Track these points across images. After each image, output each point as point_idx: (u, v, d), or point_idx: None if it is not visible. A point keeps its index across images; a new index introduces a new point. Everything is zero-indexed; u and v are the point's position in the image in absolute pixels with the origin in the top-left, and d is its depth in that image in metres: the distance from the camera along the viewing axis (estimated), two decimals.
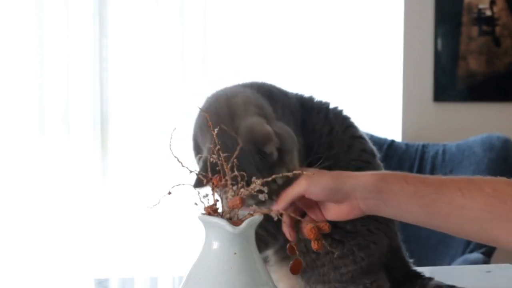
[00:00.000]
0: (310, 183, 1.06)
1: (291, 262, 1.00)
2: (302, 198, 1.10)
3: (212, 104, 1.27)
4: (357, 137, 1.33)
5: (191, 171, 1.01)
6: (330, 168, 1.24)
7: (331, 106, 1.34)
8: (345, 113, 1.34)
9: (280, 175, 1.04)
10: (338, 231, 1.28)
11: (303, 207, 1.13)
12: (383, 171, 1.11)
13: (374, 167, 1.31)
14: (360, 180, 1.07)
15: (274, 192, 1.11)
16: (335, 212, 1.10)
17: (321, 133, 1.28)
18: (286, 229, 1.10)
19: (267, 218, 1.17)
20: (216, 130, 1.05)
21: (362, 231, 1.28)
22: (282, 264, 1.30)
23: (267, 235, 1.24)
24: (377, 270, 1.31)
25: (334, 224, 1.26)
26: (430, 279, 1.37)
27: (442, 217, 1.07)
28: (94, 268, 3.01)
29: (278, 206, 1.06)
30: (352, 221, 1.28)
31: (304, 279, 1.29)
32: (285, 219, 1.09)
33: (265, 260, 1.29)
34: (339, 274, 1.28)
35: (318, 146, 1.27)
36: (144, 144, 3.07)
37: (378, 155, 1.33)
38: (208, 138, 1.19)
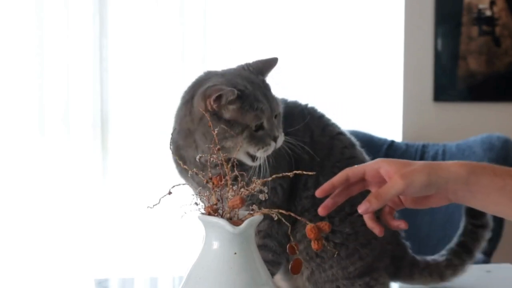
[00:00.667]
0: (407, 183, 1.05)
1: (291, 262, 1.00)
2: (374, 180, 1.11)
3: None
4: (336, 135, 1.36)
5: (191, 171, 1.01)
6: (317, 176, 1.26)
7: (303, 104, 1.39)
8: (319, 110, 1.40)
9: (281, 174, 1.04)
10: (338, 235, 1.29)
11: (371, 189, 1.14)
12: (472, 162, 1.11)
13: (358, 159, 1.37)
14: (452, 171, 1.07)
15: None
16: (420, 201, 1.11)
17: (304, 141, 1.29)
18: (370, 224, 1.11)
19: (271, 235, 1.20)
20: (216, 130, 1.05)
21: (362, 230, 1.29)
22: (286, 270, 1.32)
23: (272, 258, 1.26)
24: (381, 260, 1.34)
25: (332, 230, 1.27)
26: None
27: None
28: (94, 268, 3.01)
29: (373, 206, 1.06)
30: (351, 223, 1.30)
31: (311, 282, 1.30)
32: (317, 191, 1.11)
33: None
34: (347, 272, 1.30)
35: (302, 154, 1.29)
36: (144, 144, 3.07)
37: (357, 143, 1.39)
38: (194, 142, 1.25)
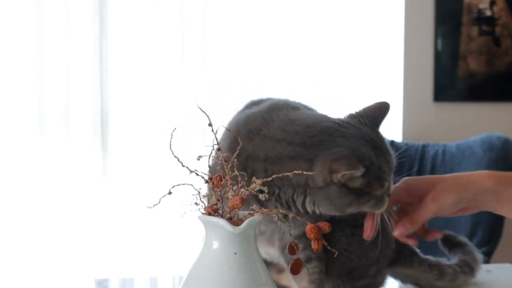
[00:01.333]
0: (439, 207, 1.13)
1: (291, 262, 1.00)
2: (404, 196, 1.18)
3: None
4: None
5: (191, 171, 1.01)
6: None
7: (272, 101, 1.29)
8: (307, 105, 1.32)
9: (281, 174, 1.03)
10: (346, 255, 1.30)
11: (404, 205, 1.20)
12: (498, 173, 1.16)
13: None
14: (481, 185, 1.14)
15: None
16: (451, 213, 1.18)
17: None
18: (404, 240, 1.18)
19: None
20: (215, 131, 1.05)
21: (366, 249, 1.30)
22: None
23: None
24: (383, 258, 1.34)
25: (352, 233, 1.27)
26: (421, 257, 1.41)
27: None
28: (94, 268, 3.01)
29: (407, 231, 1.13)
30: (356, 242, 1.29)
31: (317, 284, 1.30)
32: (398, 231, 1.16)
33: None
34: (351, 275, 1.30)
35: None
36: (144, 144, 3.07)
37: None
38: None
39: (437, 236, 1.16)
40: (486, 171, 1.17)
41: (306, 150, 1.14)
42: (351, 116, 1.23)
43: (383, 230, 1.27)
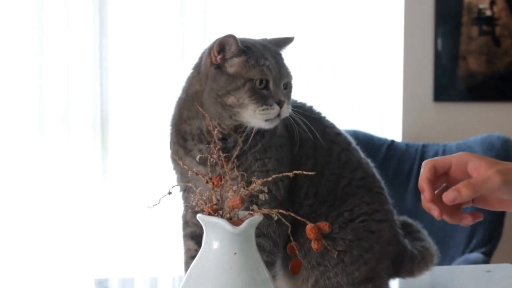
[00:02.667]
0: (505, 181, 0.96)
1: (291, 262, 1.00)
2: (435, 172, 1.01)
3: None
4: (334, 137, 1.36)
5: (191, 171, 1.01)
6: (317, 186, 1.26)
7: (300, 103, 1.37)
8: (315, 109, 1.38)
9: (281, 174, 1.04)
10: (340, 243, 1.29)
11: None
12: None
13: (353, 161, 1.35)
14: None
15: None
16: (497, 204, 1.04)
17: (307, 145, 1.29)
18: (426, 205, 1.01)
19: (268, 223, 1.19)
20: (216, 130, 1.05)
21: (364, 235, 1.29)
22: (290, 277, 1.31)
23: (268, 242, 1.25)
24: (383, 263, 1.33)
25: (333, 238, 1.27)
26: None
27: None
28: (94, 268, 3.01)
29: (462, 197, 0.96)
30: (352, 229, 1.29)
31: None
32: (426, 195, 1.01)
33: (273, 275, 1.30)
34: (351, 279, 1.29)
35: (306, 159, 1.28)
36: (144, 144, 3.07)
37: (352, 141, 1.38)
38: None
39: (480, 218, 1.01)
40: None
41: (198, 59, 1.33)
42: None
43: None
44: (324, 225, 0.95)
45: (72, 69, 2.99)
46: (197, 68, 1.29)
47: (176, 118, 1.31)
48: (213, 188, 0.97)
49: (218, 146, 1.00)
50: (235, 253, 0.94)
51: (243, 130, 1.23)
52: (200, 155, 1.12)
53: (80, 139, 3.01)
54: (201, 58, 1.29)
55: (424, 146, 3.05)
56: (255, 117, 1.21)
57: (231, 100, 1.20)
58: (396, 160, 2.99)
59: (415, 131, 3.26)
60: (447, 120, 3.29)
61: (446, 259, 2.79)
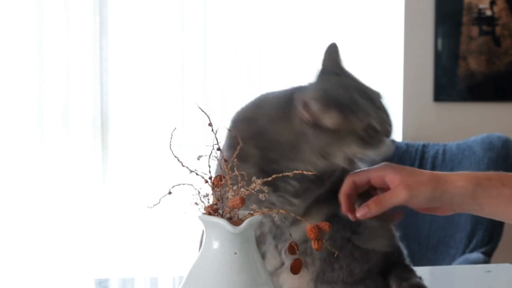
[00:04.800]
0: (411, 195, 1.05)
1: (291, 261, 1.00)
2: (379, 180, 1.11)
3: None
4: None
5: (191, 171, 1.01)
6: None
7: None
8: None
9: (281, 174, 1.04)
10: (356, 237, 1.29)
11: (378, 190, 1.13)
12: (478, 173, 1.09)
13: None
14: (458, 186, 1.07)
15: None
16: (423, 209, 1.11)
17: None
18: (342, 198, 1.11)
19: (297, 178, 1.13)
20: (215, 130, 1.05)
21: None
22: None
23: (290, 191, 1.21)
24: (378, 266, 1.32)
25: (355, 232, 1.26)
26: (415, 277, 1.37)
27: None
28: (94, 268, 3.01)
29: (371, 212, 1.07)
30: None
31: (317, 281, 1.29)
32: (343, 208, 1.10)
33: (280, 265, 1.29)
34: (351, 275, 1.29)
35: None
36: (144, 144, 3.07)
37: None
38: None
39: (398, 219, 1.12)
40: (464, 172, 1.09)
41: (287, 107, 1.20)
42: (319, 72, 1.28)
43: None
44: (324, 225, 0.95)
45: (72, 69, 2.98)
46: (285, 112, 1.19)
47: (261, 158, 1.20)
48: (213, 188, 0.97)
49: (218, 146, 1.00)
50: (235, 253, 0.94)
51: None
52: (200, 155, 1.11)
53: (80, 140, 3.01)
54: (287, 105, 1.19)
55: (424, 146, 3.05)
56: (361, 157, 1.17)
57: (333, 150, 1.15)
58: (396, 160, 2.97)
59: (415, 131, 3.26)
60: (447, 120, 3.29)
61: (446, 259, 2.79)
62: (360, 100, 1.17)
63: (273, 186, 1.16)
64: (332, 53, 1.29)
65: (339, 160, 1.13)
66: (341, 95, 1.16)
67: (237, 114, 1.30)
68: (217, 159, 1.00)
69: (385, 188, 1.09)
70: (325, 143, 1.13)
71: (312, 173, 1.09)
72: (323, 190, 1.19)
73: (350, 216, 1.12)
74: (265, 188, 0.97)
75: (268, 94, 1.31)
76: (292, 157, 1.18)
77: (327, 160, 1.15)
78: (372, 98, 1.21)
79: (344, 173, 1.18)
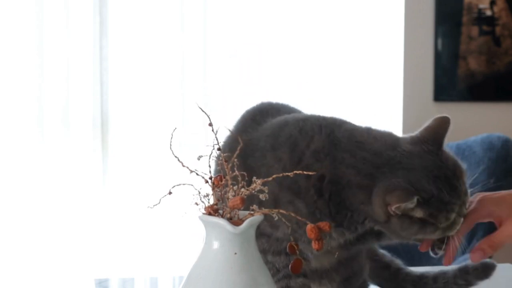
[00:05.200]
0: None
1: (291, 261, 1.00)
2: (482, 216, 1.17)
3: None
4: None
5: (191, 171, 1.01)
6: None
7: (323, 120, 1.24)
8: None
9: (281, 174, 1.04)
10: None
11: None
12: None
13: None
14: None
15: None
16: None
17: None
18: (458, 239, 1.14)
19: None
20: (215, 130, 1.05)
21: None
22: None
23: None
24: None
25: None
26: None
27: None
28: (94, 268, 3.01)
29: (487, 255, 1.14)
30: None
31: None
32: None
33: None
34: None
35: None
36: (144, 144, 3.07)
37: None
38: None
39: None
40: None
41: (370, 181, 1.12)
42: (413, 142, 1.20)
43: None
44: (325, 225, 0.95)
45: (72, 69, 2.98)
46: (364, 199, 1.14)
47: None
48: (213, 188, 0.97)
49: (218, 146, 1.00)
50: (235, 253, 0.94)
51: None
52: (200, 155, 1.10)
53: (80, 140, 3.01)
54: (369, 191, 1.14)
55: None
56: None
57: (419, 237, 1.20)
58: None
59: (415, 131, 3.25)
60: None
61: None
62: (447, 198, 1.13)
63: (338, 223, 1.16)
64: (442, 126, 1.28)
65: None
66: (433, 198, 1.12)
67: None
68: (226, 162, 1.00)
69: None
70: (411, 233, 1.14)
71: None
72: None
73: (445, 260, 1.14)
74: (265, 189, 0.96)
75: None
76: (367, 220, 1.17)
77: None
78: (456, 186, 1.16)
79: None
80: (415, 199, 1.09)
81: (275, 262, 1.20)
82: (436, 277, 1.39)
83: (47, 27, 2.95)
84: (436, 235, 1.15)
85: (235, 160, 0.99)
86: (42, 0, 2.93)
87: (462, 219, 1.16)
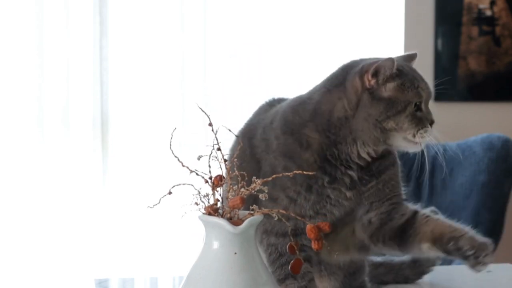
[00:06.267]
0: None
1: (291, 261, 1.00)
2: None
3: None
4: None
5: (191, 171, 1.01)
6: None
7: None
8: None
9: (281, 174, 1.04)
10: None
11: None
12: None
13: None
14: None
15: None
16: None
17: None
18: None
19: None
20: (215, 130, 1.05)
21: None
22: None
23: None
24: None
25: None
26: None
27: None
28: (94, 268, 3.01)
29: None
30: None
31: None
32: None
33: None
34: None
35: None
36: (144, 144, 3.07)
37: None
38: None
39: None
40: None
41: (331, 81, 1.27)
42: None
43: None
44: (324, 225, 0.95)
45: (72, 69, 2.98)
46: (340, 89, 1.24)
47: (320, 141, 1.24)
48: (213, 188, 0.97)
49: (218, 146, 1.00)
50: (235, 253, 0.94)
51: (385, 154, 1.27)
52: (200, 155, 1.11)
53: (80, 140, 3.01)
54: (343, 79, 1.25)
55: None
56: (411, 140, 1.23)
57: (390, 124, 1.21)
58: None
59: None
60: (447, 120, 3.28)
61: (446, 259, 2.78)
62: (419, 78, 1.24)
63: (330, 177, 1.20)
64: (410, 57, 1.35)
65: (393, 140, 1.21)
66: (404, 69, 1.23)
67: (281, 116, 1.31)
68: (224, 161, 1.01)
69: None
70: (381, 111, 1.19)
71: (313, 174, 1.13)
72: (374, 182, 1.26)
73: None
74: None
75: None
76: (350, 137, 1.22)
77: (384, 135, 1.20)
78: (427, 83, 1.27)
79: (390, 165, 1.28)
80: (394, 62, 1.18)
81: (279, 244, 1.22)
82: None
83: (47, 27, 2.95)
84: (405, 124, 1.20)
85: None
86: (42, 0, 2.93)
87: (429, 128, 1.23)
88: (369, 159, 1.25)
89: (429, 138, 1.23)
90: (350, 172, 1.24)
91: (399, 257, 1.47)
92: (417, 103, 1.22)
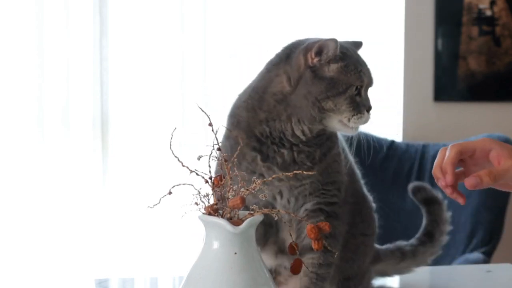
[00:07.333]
0: None
1: (292, 262, 1.00)
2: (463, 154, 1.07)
3: None
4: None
5: (191, 171, 1.01)
6: None
7: None
8: None
9: (281, 174, 1.04)
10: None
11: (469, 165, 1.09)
12: None
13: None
14: None
15: None
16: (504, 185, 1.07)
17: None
18: (454, 195, 1.06)
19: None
20: (215, 130, 1.05)
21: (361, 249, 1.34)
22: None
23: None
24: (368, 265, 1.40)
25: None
26: None
27: None
28: (94, 268, 3.01)
29: (483, 184, 1.01)
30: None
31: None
32: (448, 178, 1.05)
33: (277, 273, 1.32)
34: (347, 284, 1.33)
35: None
36: (144, 144, 3.07)
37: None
38: None
39: (460, 201, 1.06)
40: None
41: (279, 56, 1.29)
42: None
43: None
44: (324, 225, 0.95)
45: (72, 69, 2.98)
46: (279, 66, 1.25)
47: (247, 119, 1.25)
48: (213, 188, 0.97)
49: (218, 145, 1.00)
50: (235, 253, 0.94)
51: (322, 135, 1.25)
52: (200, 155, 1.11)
53: (80, 139, 3.01)
54: (286, 56, 1.26)
55: (424, 146, 3.05)
56: (345, 124, 1.22)
57: (329, 105, 1.21)
58: (396, 160, 2.99)
59: (415, 131, 3.25)
60: (447, 120, 3.29)
61: (446, 259, 2.79)
62: (362, 63, 1.27)
63: (263, 155, 1.20)
64: (356, 44, 1.39)
65: (329, 121, 1.20)
66: (349, 52, 1.26)
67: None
68: (217, 158, 1.01)
69: (485, 163, 1.06)
70: (322, 90, 1.19)
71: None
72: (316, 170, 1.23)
73: (448, 191, 1.06)
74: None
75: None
76: (285, 114, 1.22)
77: (321, 115, 1.20)
78: (369, 70, 1.31)
79: (328, 147, 1.24)
80: (337, 42, 1.24)
81: None
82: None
83: (47, 27, 2.95)
84: (343, 106, 1.21)
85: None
86: (42, 0, 2.93)
87: (366, 114, 1.25)
88: (303, 138, 1.23)
89: (363, 123, 1.25)
90: (283, 150, 1.23)
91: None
92: (358, 87, 1.24)
